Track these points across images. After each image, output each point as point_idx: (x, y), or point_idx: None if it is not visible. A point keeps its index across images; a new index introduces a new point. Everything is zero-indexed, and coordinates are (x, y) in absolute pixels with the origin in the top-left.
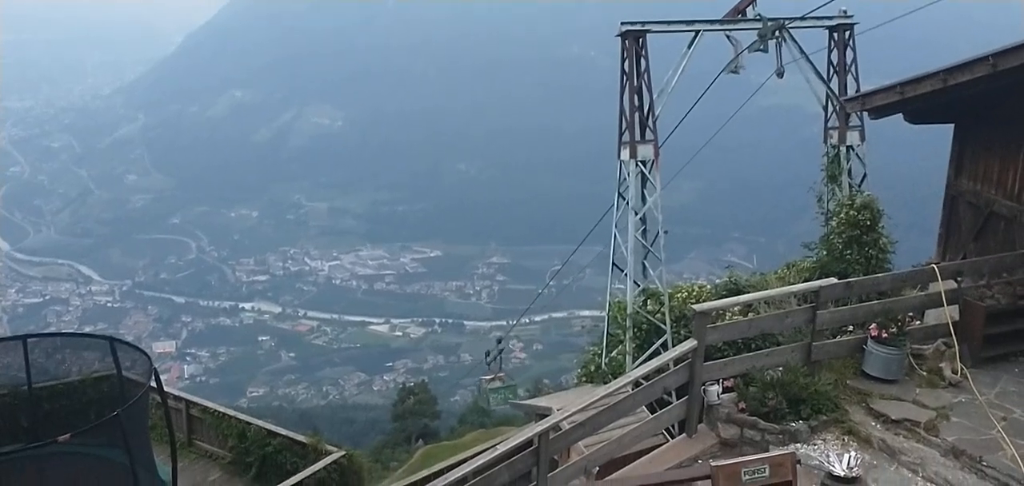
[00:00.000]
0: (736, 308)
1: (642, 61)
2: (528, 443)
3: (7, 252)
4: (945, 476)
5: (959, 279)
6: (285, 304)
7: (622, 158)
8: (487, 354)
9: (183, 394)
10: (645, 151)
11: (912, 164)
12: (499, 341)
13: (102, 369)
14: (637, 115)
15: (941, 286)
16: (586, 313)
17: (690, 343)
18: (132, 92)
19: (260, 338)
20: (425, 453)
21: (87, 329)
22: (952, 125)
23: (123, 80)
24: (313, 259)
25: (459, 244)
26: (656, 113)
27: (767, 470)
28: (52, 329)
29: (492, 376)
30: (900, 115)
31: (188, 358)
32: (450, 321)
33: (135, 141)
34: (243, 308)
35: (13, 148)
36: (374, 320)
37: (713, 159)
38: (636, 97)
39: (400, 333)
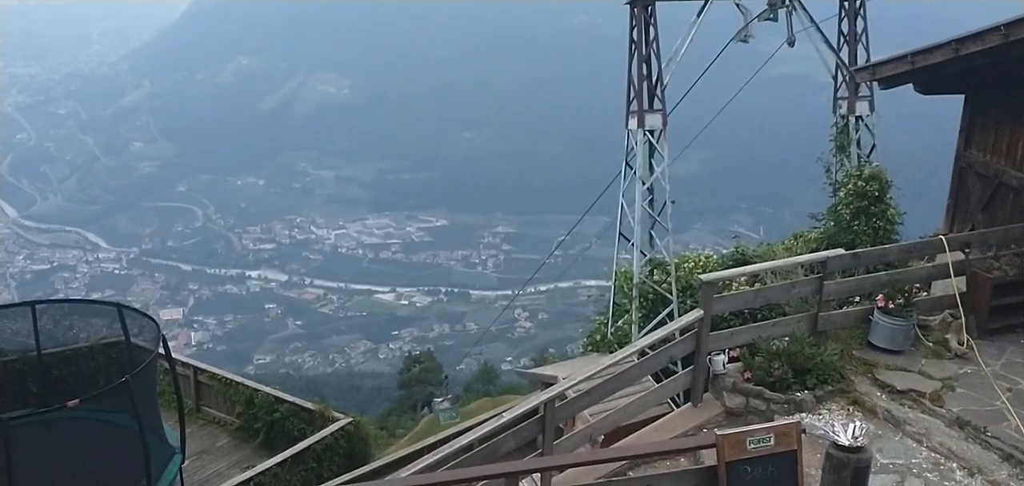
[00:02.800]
0: (742, 278)
1: (651, 30)
2: (534, 411)
3: (14, 219)
4: (949, 446)
5: (967, 250)
6: (292, 272)
7: (630, 127)
8: (440, 383)
9: (191, 361)
10: (653, 121)
11: (921, 135)
12: (445, 377)
13: (110, 335)
14: (645, 84)
15: (948, 257)
16: (592, 283)
17: (696, 313)
18: (138, 59)
19: (267, 306)
20: (431, 421)
21: (95, 296)
22: (962, 95)
23: (128, 47)
24: (319, 227)
25: (465, 213)
26: (664, 82)
27: (772, 439)
28: (60, 296)
29: (442, 398)
30: (910, 85)
31: (195, 325)
32: (456, 290)
33: (141, 108)
34: (250, 276)
35: (19, 114)
36: (380, 289)
37: (720, 129)
38: (645, 66)
39: (406, 302)
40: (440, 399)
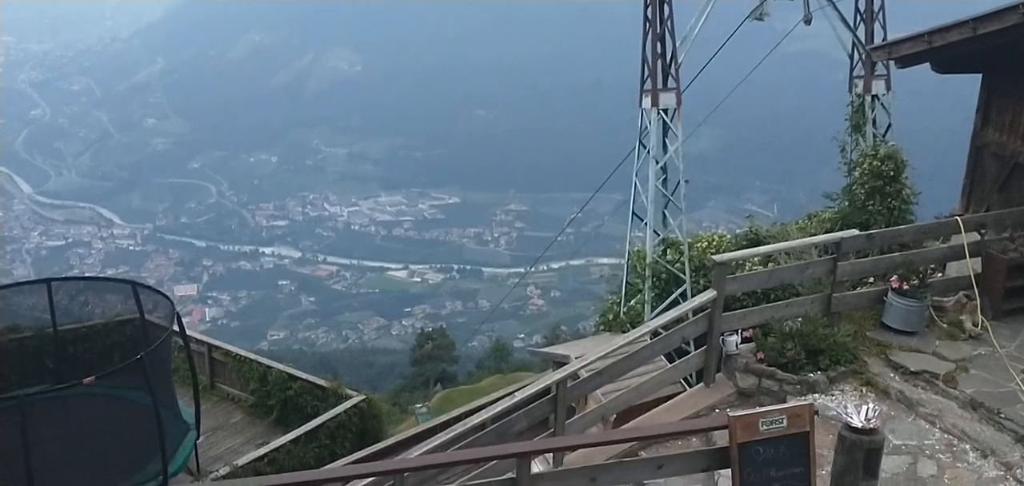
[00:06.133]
0: (756, 258)
1: (665, 8)
2: (546, 391)
3: (29, 194)
4: (962, 428)
5: (982, 231)
6: (305, 249)
7: (644, 106)
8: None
9: (205, 338)
10: (667, 99)
11: (937, 113)
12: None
13: (125, 312)
14: (660, 63)
15: (964, 238)
16: (604, 261)
17: (709, 293)
18: (150, 35)
19: (280, 282)
20: (443, 397)
21: (110, 272)
22: (979, 75)
23: (141, 23)
24: (332, 204)
25: (477, 190)
26: (679, 61)
27: (785, 421)
28: (75, 271)
29: (421, 404)
30: (927, 64)
31: (209, 301)
32: (468, 267)
33: (154, 85)
34: (263, 252)
35: (33, 91)
36: (393, 265)
37: (734, 106)
38: (659, 44)
39: (418, 279)
40: (420, 405)
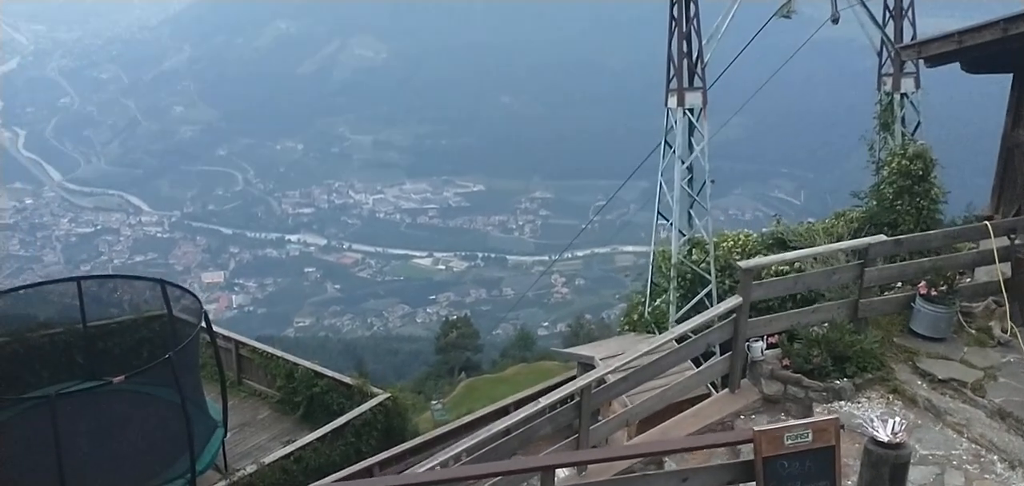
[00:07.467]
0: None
1: (692, 6)
2: (571, 397)
3: (59, 182)
4: (990, 438)
5: (1012, 236)
6: (330, 236)
7: (669, 105)
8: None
9: (232, 334)
10: (693, 99)
11: (968, 108)
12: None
13: (154, 308)
14: (685, 62)
15: (993, 243)
16: (630, 249)
17: (735, 300)
18: (178, 23)
19: (306, 269)
20: (468, 386)
21: (138, 259)
22: (1011, 75)
23: (169, 11)
24: (357, 192)
25: (502, 178)
26: (705, 60)
27: (810, 435)
28: (104, 258)
29: (437, 401)
30: (957, 64)
31: (236, 288)
32: (493, 255)
33: (182, 73)
34: (289, 240)
35: (63, 79)
36: (417, 253)
37: (761, 93)
38: (685, 43)
39: (443, 266)
40: (436, 401)
